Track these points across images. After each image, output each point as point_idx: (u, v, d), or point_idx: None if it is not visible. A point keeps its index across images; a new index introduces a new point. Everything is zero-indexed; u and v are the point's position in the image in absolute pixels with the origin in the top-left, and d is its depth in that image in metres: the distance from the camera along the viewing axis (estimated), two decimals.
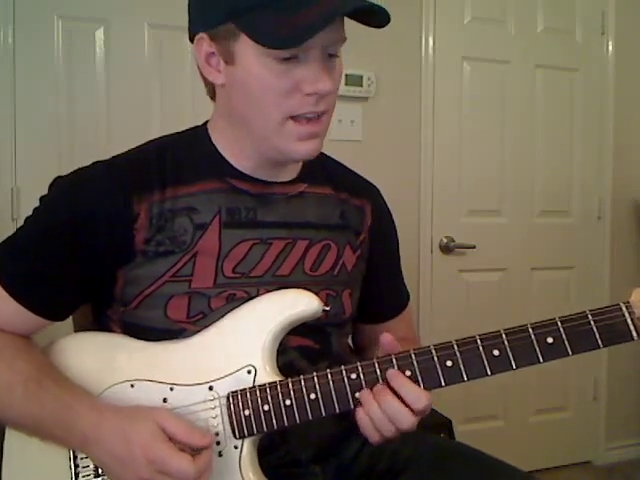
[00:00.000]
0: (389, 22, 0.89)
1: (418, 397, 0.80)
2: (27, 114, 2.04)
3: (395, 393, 0.81)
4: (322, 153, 1.09)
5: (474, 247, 2.58)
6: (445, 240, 2.57)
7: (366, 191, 1.12)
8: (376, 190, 1.15)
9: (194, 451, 0.79)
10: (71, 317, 1.11)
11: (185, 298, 0.91)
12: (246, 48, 0.86)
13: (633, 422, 2.92)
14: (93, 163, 0.96)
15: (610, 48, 2.77)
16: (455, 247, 2.57)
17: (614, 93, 2.78)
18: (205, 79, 0.96)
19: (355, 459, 1.01)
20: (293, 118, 0.89)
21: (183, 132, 1.03)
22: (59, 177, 0.96)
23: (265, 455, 0.89)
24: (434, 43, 2.52)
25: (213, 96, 0.99)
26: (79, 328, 1.08)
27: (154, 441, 0.77)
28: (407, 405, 0.80)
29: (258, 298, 0.90)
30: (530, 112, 2.68)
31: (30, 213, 0.96)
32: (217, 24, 0.88)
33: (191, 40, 0.94)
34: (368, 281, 1.09)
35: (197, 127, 1.03)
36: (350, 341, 1.13)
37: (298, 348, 0.94)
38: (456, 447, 1.09)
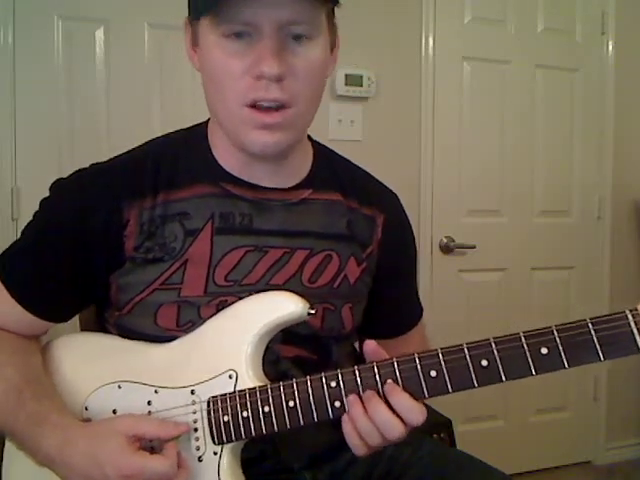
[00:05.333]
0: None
1: (411, 410, 0.74)
2: (27, 114, 2.04)
3: (386, 401, 0.75)
4: (338, 156, 1.06)
5: (474, 247, 2.57)
6: (445, 240, 2.57)
7: (381, 200, 1.05)
8: (394, 200, 1.09)
9: (154, 449, 0.80)
10: (77, 315, 1.12)
11: (174, 307, 0.89)
12: (205, 30, 0.85)
13: (633, 422, 2.92)
14: (91, 165, 0.96)
15: (610, 48, 2.77)
16: (455, 247, 2.57)
17: (614, 93, 2.78)
18: None
19: (350, 466, 0.99)
20: (249, 106, 0.84)
21: (184, 131, 1.01)
22: (59, 179, 0.96)
23: (256, 464, 0.89)
24: (434, 43, 2.52)
25: None
26: (85, 326, 1.09)
27: (124, 456, 0.76)
28: (398, 416, 0.75)
29: (242, 301, 0.88)
30: (530, 112, 2.68)
31: (30, 213, 0.96)
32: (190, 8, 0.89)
33: None
34: (376, 296, 1.04)
35: (198, 125, 1.01)
36: (357, 348, 1.09)
37: (293, 358, 0.92)
38: (453, 454, 1.08)
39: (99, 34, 2.11)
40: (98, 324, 1.00)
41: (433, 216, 2.55)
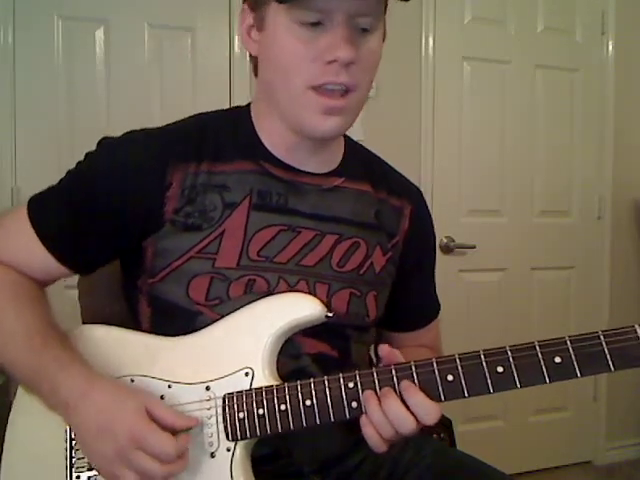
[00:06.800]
0: None
1: (426, 410, 0.77)
2: (27, 114, 2.04)
3: (402, 399, 0.78)
4: (366, 149, 1.11)
5: (474, 247, 2.58)
6: (445, 240, 2.57)
7: (409, 193, 1.09)
8: (420, 194, 1.13)
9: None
10: (79, 305, 1.13)
11: (207, 278, 0.91)
12: (275, 14, 0.87)
13: (633, 422, 2.92)
14: (142, 129, 0.98)
15: (610, 48, 2.78)
16: (455, 247, 2.57)
17: (614, 93, 2.78)
18: (250, 55, 0.97)
19: (358, 467, 1.00)
20: (315, 89, 0.87)
21: (226, 110, 1.04)
22: (107, 137, 0.98)
23: (267, 463, 0.89)
24: (434, 43, 2.52)
25: (256, 73, 0.99)
26: (88, 319, 1.09)
27: (138, 419, 0.77)
28: (412, 414, 0.77)
29: (262, 300, 0.89)
30: (530, 112, 2.69)
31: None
32: None
33: None
34: (398, 288, 1.06)
35: (240, 107, 1.03)
36: (372, 353, 1.08)
37: (314, 355, 0.93)
38: (454, 454, 1.09)
39: (99, 34, 2.11)
40: (126, 295, 1.01)
41: (433, 216, 2.55)
